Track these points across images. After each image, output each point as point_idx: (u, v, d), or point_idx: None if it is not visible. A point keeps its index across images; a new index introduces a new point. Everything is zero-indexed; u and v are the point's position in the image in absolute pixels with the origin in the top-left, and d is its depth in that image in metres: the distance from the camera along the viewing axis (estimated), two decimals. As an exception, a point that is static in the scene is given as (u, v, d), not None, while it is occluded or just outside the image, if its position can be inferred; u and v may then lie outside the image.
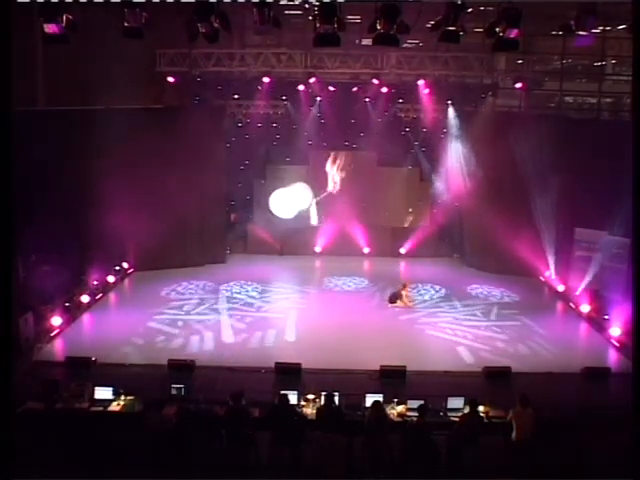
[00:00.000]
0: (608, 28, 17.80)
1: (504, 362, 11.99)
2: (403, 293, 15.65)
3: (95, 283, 15.77)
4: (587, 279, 15.97)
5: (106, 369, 11.41)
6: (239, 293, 16.58)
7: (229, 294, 16.46)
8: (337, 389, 9.05)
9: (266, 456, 8.45)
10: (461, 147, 19.03)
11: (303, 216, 20.88)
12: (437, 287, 17.29)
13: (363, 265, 19.88)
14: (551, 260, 17.36)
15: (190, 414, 8.97)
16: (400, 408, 9.19)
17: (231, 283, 17.32)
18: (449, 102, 19.08)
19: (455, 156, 19.36)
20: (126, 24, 9.06)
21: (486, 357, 12.55)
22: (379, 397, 8.93)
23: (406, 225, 20.75)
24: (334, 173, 20.72)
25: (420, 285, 17.32)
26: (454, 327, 14.20)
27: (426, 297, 16.51)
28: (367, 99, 19.49)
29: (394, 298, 15.60)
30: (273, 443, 8.41)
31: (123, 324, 13.93)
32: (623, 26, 16.48)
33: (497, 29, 9.23)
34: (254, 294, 16.48)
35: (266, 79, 18.36)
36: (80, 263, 15.45)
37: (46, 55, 15.88)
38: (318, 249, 20.46)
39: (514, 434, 8.40)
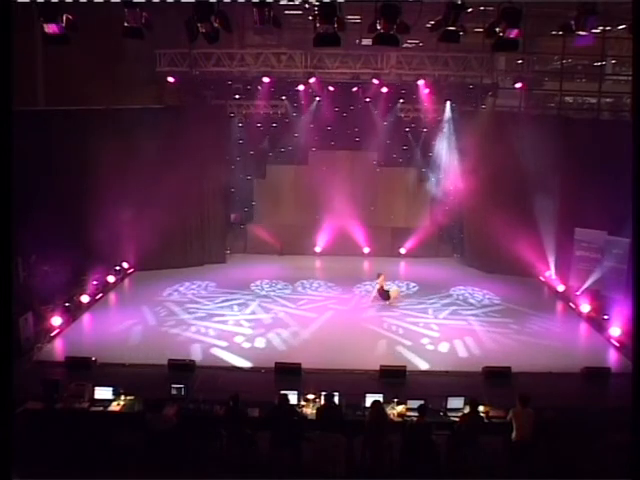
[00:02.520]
0: (608, 28, 17.82)
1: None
2: (377, 285, 15.69)
3: (95, 283, 15.76)
4: (587, 279, 15.96)
5: (106, 369, 11.40)
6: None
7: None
8: (337, 389, 9.05)
9: (266, 456, 8.46)
10: (460, 146, 19.03)
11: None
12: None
13: (363, 265, 19.87)
14: (551, 260, 17.35)
15: (190, 414, 9.00)
16: (400, 408, 9.18)
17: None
18: (447, 101, 19.10)
19: (455, 156, 19.37)
20: (126, 24, 9.07)
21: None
22: (379, 397, 8.92)
23: (406, 225, 20.75)
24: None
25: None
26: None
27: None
28: (367, 99, 19.47)
29: (387, 296, 15.64)
30: (273, 443, 8.41)
31: (124, 324, 13.90)
32: (623, 26, 16.54)
33: (497, 29, 9.24)
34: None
35: (266, 79, 18.37)
36: (80, 263, 15.44)
37: (46, 55, 15.91)
38: (318, 249, 20.45)
39: (514, 434, 8.40)
